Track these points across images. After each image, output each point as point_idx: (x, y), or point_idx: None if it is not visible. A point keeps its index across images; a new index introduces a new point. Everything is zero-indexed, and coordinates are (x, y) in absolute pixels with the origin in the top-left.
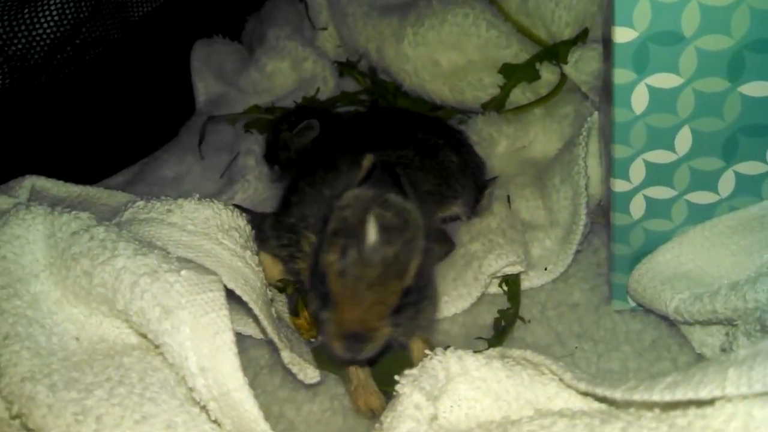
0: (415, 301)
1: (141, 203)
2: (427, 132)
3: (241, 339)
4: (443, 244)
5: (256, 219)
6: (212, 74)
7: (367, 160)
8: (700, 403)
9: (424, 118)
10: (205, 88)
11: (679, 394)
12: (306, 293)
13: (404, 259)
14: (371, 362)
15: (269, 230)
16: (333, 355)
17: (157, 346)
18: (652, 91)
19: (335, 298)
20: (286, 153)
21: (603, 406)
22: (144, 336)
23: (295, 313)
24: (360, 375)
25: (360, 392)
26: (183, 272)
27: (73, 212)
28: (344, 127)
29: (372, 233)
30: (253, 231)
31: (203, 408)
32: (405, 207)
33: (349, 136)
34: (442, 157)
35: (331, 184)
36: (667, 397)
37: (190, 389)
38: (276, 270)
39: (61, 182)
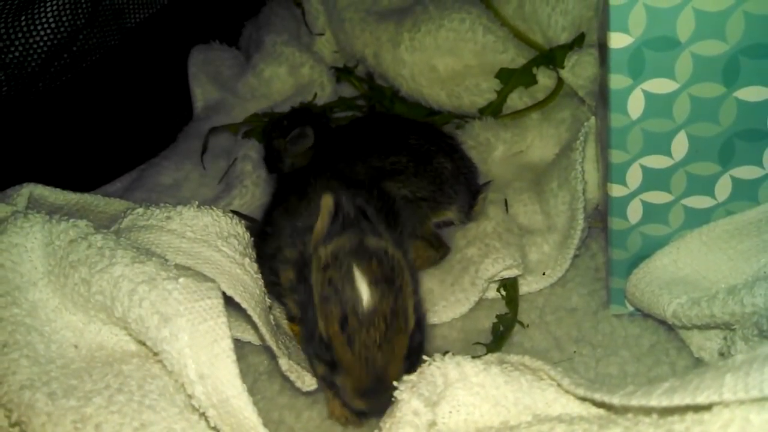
0: (420, 341)
1: (140, 210)
2: (419, 138)
3: (240, 345)
4: (438, 248)
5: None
6: (209, 80)
7: (327, 201)
8: (697, 409)
9: (416, 124)
10: (202, 94)
11: (677, 400)
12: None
13: (403, 307)
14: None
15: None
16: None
17: (155, 354)
18: (648, 96)
19: (346, 366)
20: (280, 163)
21: (601, 412)
22: (143, 343)
23: (292, 319)
24: None
25: (337, 400)
26: (181, 280)
27: (71, 220)
28: (338, 134)
29: (364, 293)
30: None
31: (202, 415)
32: (384, 249)
33: (341, 144)
34: (436, 164)
35: (302, 214)
36: (665, 402)
37: (189, 396)
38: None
39: (58, 190)
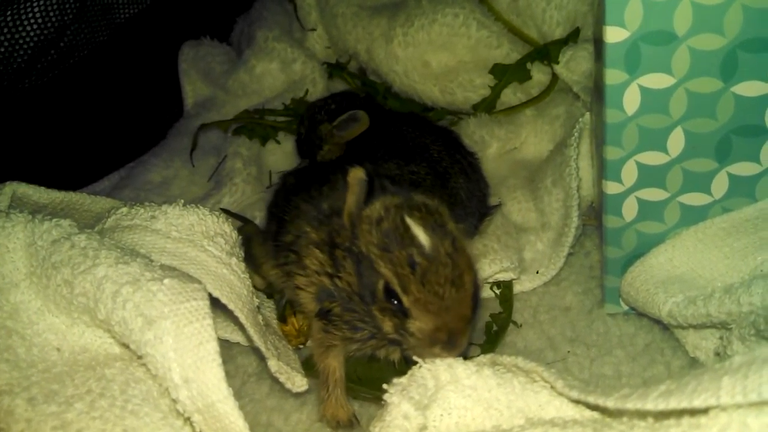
0: (478, 290)
1: (124, 210)
2: (441, 152)
3: (228, 346)
4: None
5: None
6: (200, 76)
7: (357, 173)
8: (694, 412)
9: (442, 133)
10: (193, 90)
11: (673, 403)
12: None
13: (462, 247)
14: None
15: (258, 251)
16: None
17: (139, 357)
18: (644, 91)
19: (424, 307)
20: (319, 149)
21: (595, 415)
22: (126, 346)
23: (283, 320)
24: (333, 384)
25: (330, 402)
26: (166, 281)
27: (54, 220)
28: (386, 120)
29: (423, 237)
30: (240, 237)
31: (187, 420)
32: (429, 202)
33: (369, 141)
34: (453, 183)
35: (329, 197)
36: (661, 405)
37: (174, 401)
38: (257, 279)
39: (43, 188)
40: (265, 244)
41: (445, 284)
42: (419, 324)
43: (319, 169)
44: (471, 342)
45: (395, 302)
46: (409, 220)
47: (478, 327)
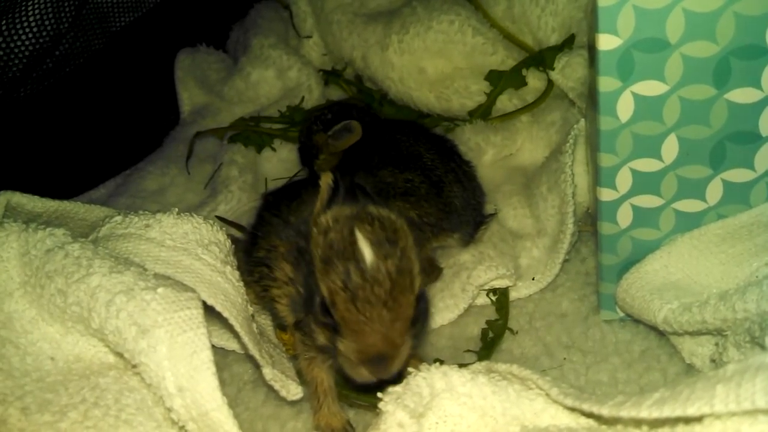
0: (424, 309)
1: (119, 218)
2: (435, 160)
3: (224, 354)
4: (430, 273)
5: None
6: (196, 84)
7: (326, 178)
8: (688, 420)
9: (437, 141)
10: (189, 97)
11: (667, 411)
12: (288, 325)
13: (408, 267)
14: (398, 379)
15: (241, 263)
16: (357, 382)
17: (133, 366)
18: (638, 98)
19: (350, 326)
20: (316, 159)
21: (590, 422)
22: (120, 355)
23: (282, 328)
24: (323, 394)
25: (323, 413)
26: (160, 290)
27: (48, 229)
28: (382, 128)
29: (367, 252)
30: (233, 246)
31: (182, 429)
32: (387, 216)
33: (360, 150)
34: (447, 192)
35: (296, 210)
36: (655, 413)
37: (168, 410)
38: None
39: (37, 197)
40: (246, 258)
41: (376, 305)
42: (346, 342)
43: (292, 187)
44: (423, 360)
45: (329, 317)
46: (357, 233)
47: (471, 334)
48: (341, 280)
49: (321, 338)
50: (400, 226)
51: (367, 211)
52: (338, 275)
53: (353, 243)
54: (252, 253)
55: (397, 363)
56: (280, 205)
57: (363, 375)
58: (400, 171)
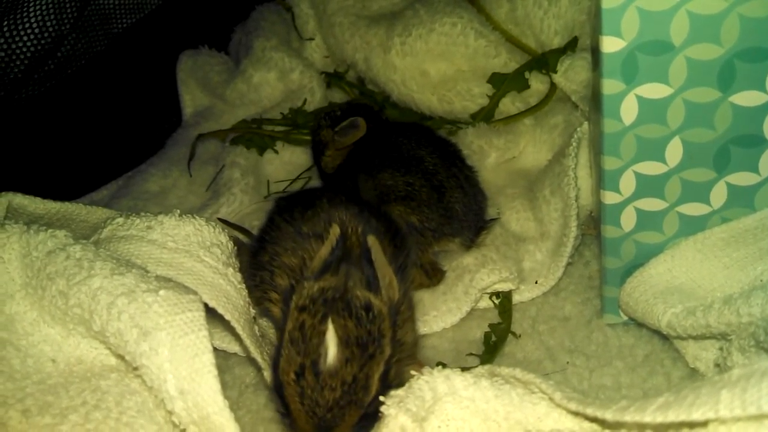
0: (376, 409)
1: (120, 220)
2: (437, 164)
3: (226, 357)
4: (433, 277)
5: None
6: (198, 86)
7: (334, 231)
8: (692, 425)
9: (442, 146)
10: (191, 100)
11: (672, 416)
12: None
13: (366, 377)
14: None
15: (244, 266)
16: None
17: (135, 369)
18: (642, 101)
19: (294, 414)
20: (322, 155)
21: (594, 426)
22: (122, 358)
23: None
24: None
25: None
26: (161, 292)
27: (49, 230)
28: (385, 131)
29: (331, 352)
30: (235, 248)
31: None
32: (369, 307)
33: (359, 151)
34: (449, 198)
35: (310, 220)
36: (659, 418)
37: (169, 413)
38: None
39: (38, 199)
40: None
41: (321, 407)
42: (288, 422)
43: (306, 194)
44: None
45: (281, 394)
46: (330, 326)
47: (474, 338)
48: (295, 373)
49: (277, 405)
50: (378, 324)
51: (350, 298)
52: (293, 367)
53: (321, 335)
54: (257, 255)
55: None
56: (293, 211)
57: None
58: (400, 174)
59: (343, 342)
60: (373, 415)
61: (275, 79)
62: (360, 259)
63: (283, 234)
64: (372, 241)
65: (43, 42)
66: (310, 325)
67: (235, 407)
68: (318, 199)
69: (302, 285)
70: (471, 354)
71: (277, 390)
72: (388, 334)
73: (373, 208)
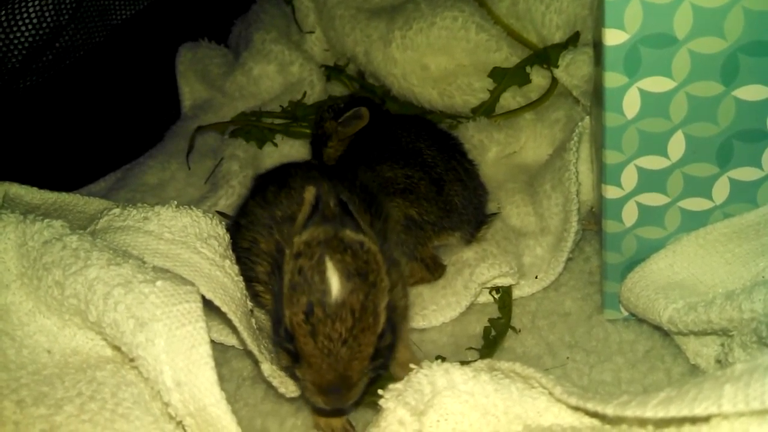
0: (390, 343)
1: (117, 210)
2: (436, 157)
3: (223, 349)
4: (434, 271)
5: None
6: (198, 78)
7: (309, 193)
8: (695, 420)
9: (442, 139)
10: (190, 92)
11: (674, 411)
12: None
13: (373, 304)
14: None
15: None
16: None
17: (131, 360)
18: (644, 95)
19: (308, 358)
20: (324, 147)
21: (594, 422)
22: (118, 349)
23: None
24: None
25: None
26: (158, 283)
27: (46, 220)
28: (386, 123)
29: (334, 285)
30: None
31: (179, 424)
32: (362, 243)
33: (360, 143)
34: (448, 191)
35: (282, 203)
36: (661, 413)
37: (166, 404)
38: None
39: (35, 189)
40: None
41: (335, 342)
42: (304, 371)
43: (282, 171)
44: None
45: (291, 343)
46: (327, 261)
47: (473, 332)
48: (303, 312)
49: (283, 360)
50: (373, 256)
51: (342, 237)
52: (301, 307)
53: (321, 272)
54: (237, 242)
55: (353, 395)
56: (266, 193)
57: (318, 402)
58: (399, 166)
59: (344, 274)
60: (388, 350)
61: (275, 71)
62: (339, 216)
63: (257, 219)
64: (347, 197)
65: (41, 32)
66: (309, 266)
67: (232, 400)
68: (291, 177)
69: (292, 240)
70: (470, 348)
71: (288, 340)
72: (383, 267)
73: (347, 178)
